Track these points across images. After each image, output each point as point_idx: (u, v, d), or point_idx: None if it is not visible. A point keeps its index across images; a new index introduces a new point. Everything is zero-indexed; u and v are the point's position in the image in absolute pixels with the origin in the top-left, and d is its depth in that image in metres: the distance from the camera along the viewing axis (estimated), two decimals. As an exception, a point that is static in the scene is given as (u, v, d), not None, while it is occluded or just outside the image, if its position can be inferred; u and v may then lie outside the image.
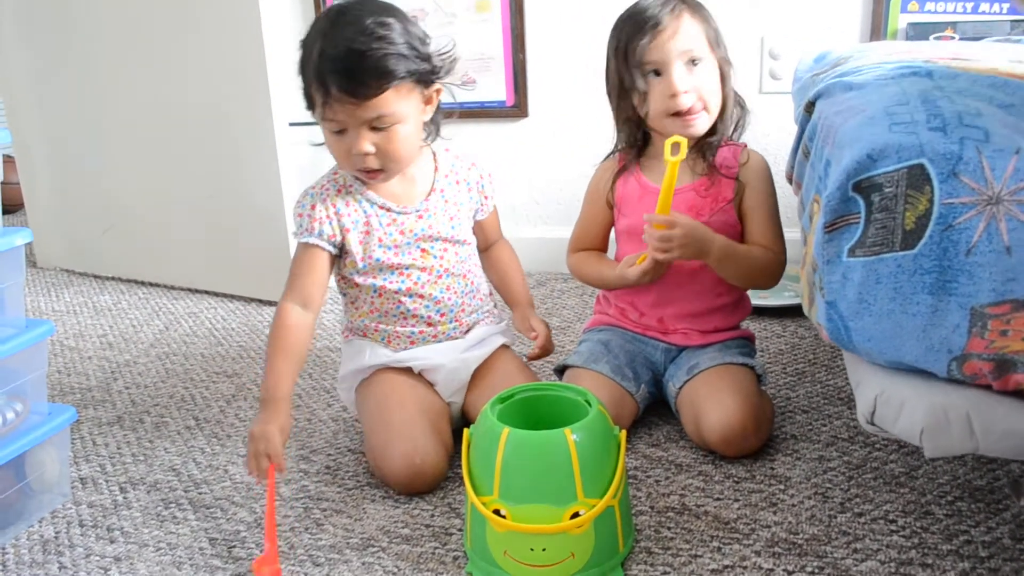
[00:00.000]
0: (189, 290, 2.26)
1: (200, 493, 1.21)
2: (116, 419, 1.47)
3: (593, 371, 1.30)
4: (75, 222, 2.46)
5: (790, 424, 1.32)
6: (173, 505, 1.18)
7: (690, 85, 1.24)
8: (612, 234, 1.42)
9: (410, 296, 1.26)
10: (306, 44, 1.15)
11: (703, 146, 1.30)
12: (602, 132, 1.42)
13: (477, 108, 2.21)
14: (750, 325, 1.39)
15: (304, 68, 1.15)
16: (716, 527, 1.06)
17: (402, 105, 1.14)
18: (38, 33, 2.30)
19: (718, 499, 1.12)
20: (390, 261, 1.24)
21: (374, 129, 1.14)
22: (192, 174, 2.15)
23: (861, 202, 0.79)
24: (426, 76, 1.16)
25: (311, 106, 1.17)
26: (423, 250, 1.26)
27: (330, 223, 1.22)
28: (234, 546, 1.07)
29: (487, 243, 1.41)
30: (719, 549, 1.01)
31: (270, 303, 2.07)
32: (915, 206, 0.76)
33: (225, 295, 2.19)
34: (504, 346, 1.36)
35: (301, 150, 2.11)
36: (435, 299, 1.27)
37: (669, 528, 1.06)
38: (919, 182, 0.75)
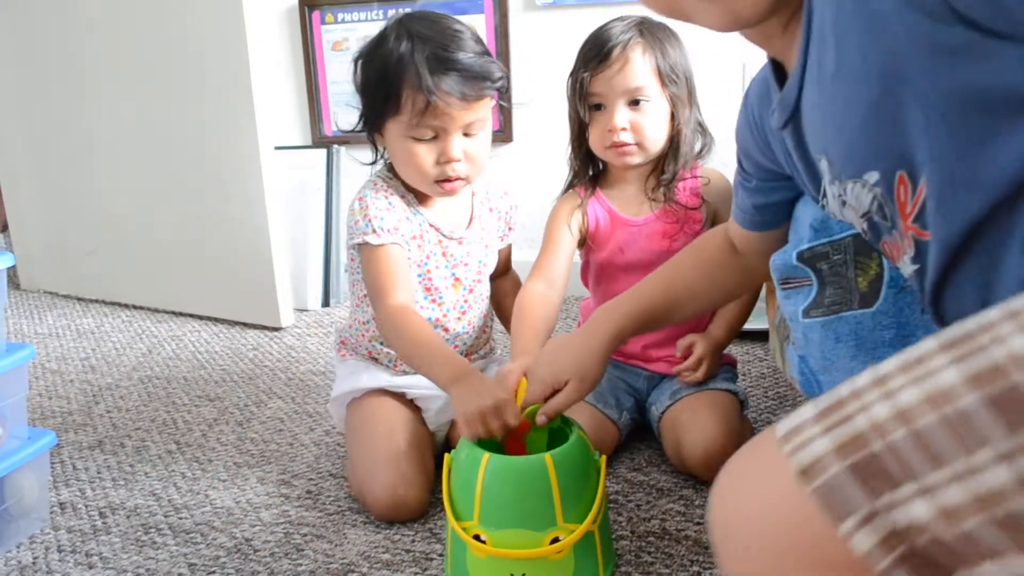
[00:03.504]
0: (173, 313, 2.26)
1: (180, 518, 1.20)
2: (97, 443, 1.46)
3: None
4: (59, 244, 2.46)
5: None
6: (153, 530, 1.18)
7: (628, 123, 1.25)
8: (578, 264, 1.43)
9: (435, 328, 1.26)
10: (387, 53, 1.15)
11: (658, 179, 1.32)
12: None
13: (462, 133, 2.23)
14: (732, 349, 1.40)
15: (390, 75, 1.14)
16: (696, 551, 1.06)
17: (490, 111, 1.19)
18: (24, 54, 2.30)
19: (699, 523, 1.12)
20: (427, 284, 1.26)
21: (466, 135, 1.17)
22: (177, 197, 2.15)
23: (809, 271, 0.83)
24: (504, 87, 1.21)
25: (387, 115, 1.17)
26: (456, 278, 1.28)
27: (395, 226, 1.23)
28: (213, 572, 1.07)
29: (497, 273, 1.41)
30: (699, 574, 1.02)
31: (254, 326, 2.07)
32: (866, 271, 0.80)
33: (209, 318, 2.18)
34: None
35: (289, 173, 2.13)
36: (456, 334, 1.29)
37: (649, 553, 1.06)
38: (866, 248, 0.79)
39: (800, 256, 0.85)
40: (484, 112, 1.18)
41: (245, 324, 2.10)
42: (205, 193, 2.09)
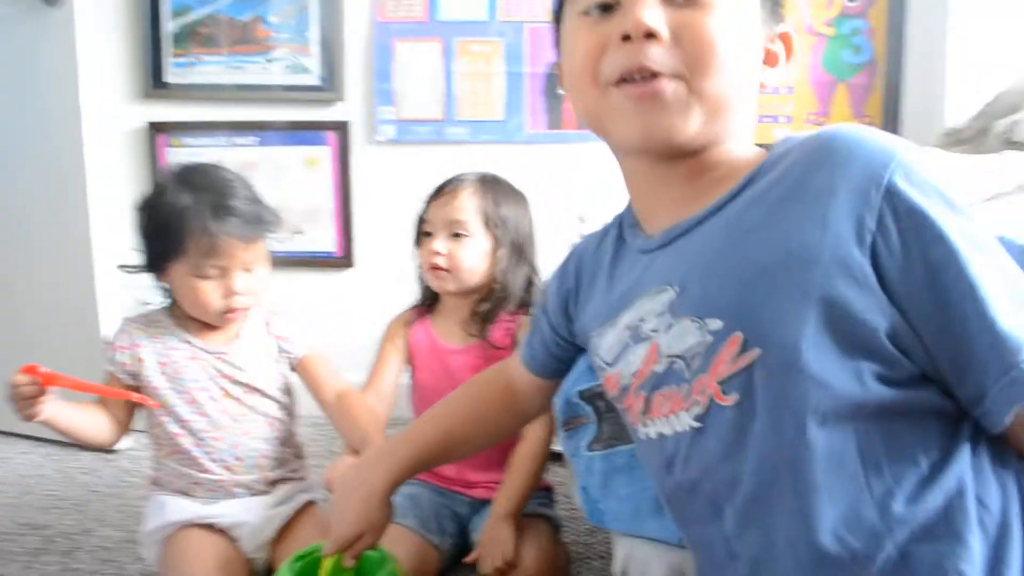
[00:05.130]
0: (2, 433, 2.19)
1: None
2: (-90, 581, 1.43)
3: (400, 525, 1.38)
4: None
5: (587, 570, 1.44)
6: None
7: (446, 250, 1.42)
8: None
9: (203, 437, 1.33)
10: (170, 203, 1.26)
11: (475, 312, 1.46)
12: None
13: (307, 257, 2.33)
14: (549, 474, 1.51)
15: (175, 222, 1.25)
16: None
17: (265, 249, 1.34)
18: None
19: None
20: (187, 397, 1.33)
21: (246, 271, 1.30)
22: (5, 315, 2.14)
23: (589, 408, 0.96)
24: (276, 228, 1.35)
25: (171, 258, 1.27)
26: (223, 390, 1.34)
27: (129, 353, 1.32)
28: None
29: (321, 396, 1.43)
30: None
31: (87, 450, 2.04)
32: None
33: (40, 439, 2.12)
34: (310, 503, 1.42)
35: (131, 294, 2.15)
36: (233, 442, 1.34)
37: None
38: None
39: (581, 394, 0.97)
40: (261, 250, 1.33)
41: (78, 447, 2.07)
42: (36, 315, 2.09)
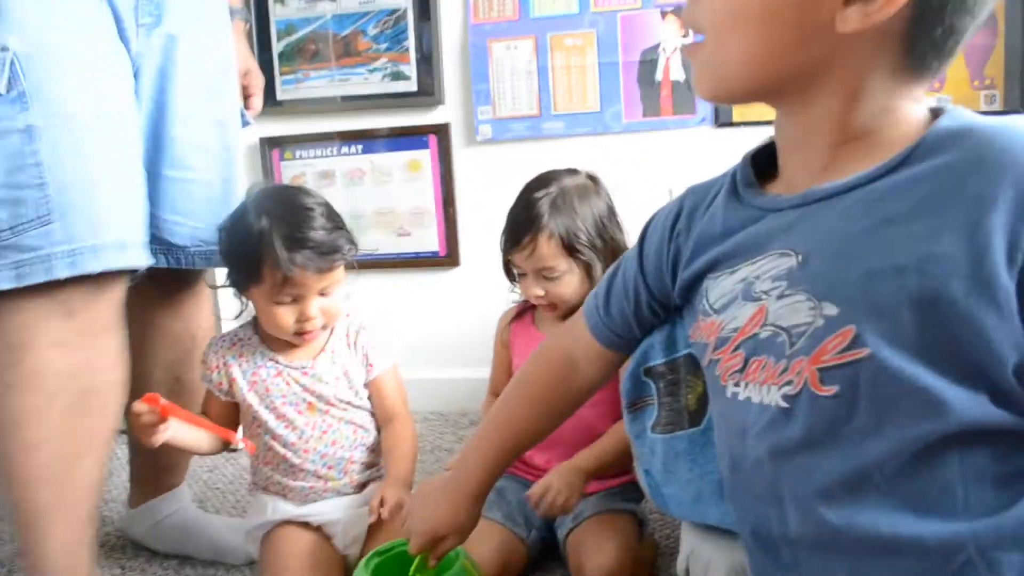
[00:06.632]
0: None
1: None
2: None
3: (486, 519, 1.39)
4: None
5: (675, 566, 1.41)
6: None
7: (543, 291, 1.42)
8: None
9: (294, 449, 1.36)
10: (247, 230, 1.28)
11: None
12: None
13: (412, 258, 2.38)
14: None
15: (251, 251, 1.26)
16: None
17: (342, 273, 1.34)
18: None
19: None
20: (277, 413, 1.36)
21: (322, 295, 1.32)
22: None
23: (652, 386, 0.93)
24: (354, 255, 1.36)
25: (250, 283, 1.30)
26: (309, 404, 1.37)
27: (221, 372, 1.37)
28: None
29: (382, 415, 1.44)
30: None
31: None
32: (694, 389, 0.90)
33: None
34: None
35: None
36: (320, 452, 1.37)
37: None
38: (694, 367, 0.89)
39: (647, 372, 0.94)
40: (337, 276, 1.33)
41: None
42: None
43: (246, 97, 1.59)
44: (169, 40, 1.26)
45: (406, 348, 2.38)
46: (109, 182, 1.15)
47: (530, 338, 1.51)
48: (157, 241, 1.31)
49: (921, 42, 0.65)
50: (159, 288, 1.43)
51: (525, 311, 1.57)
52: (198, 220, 1.35)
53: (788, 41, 0.67)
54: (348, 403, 1.39)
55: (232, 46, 1.44)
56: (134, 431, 1.26)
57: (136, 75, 1.23)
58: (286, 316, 1.30)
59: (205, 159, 1.35)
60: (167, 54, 1.27)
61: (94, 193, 1.13)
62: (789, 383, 0.67)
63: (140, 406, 1.21)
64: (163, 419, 1.22)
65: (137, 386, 1.29)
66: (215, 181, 1.37)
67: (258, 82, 1.60)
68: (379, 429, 1.44)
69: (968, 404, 0.60)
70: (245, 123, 1.52)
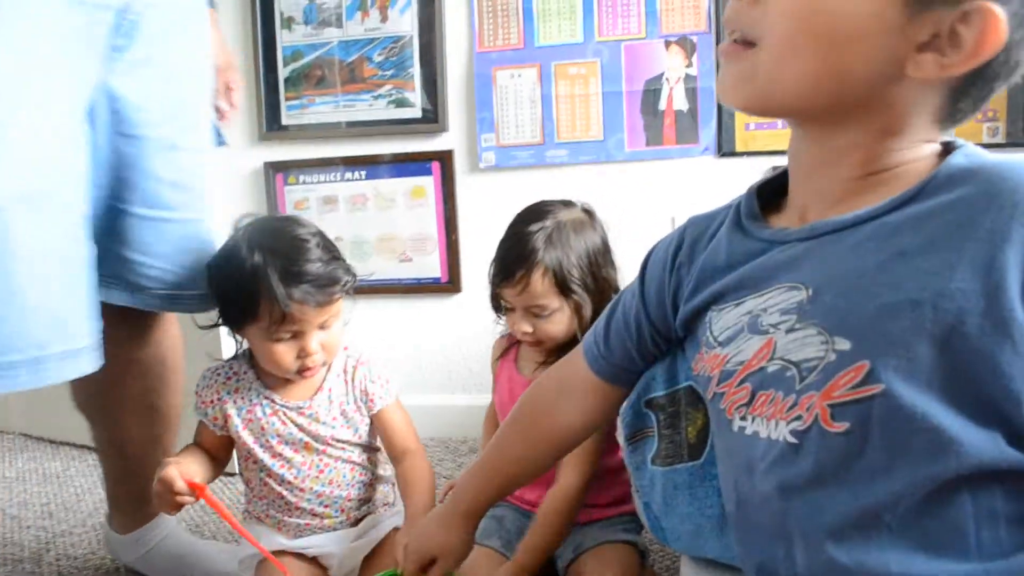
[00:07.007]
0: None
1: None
2: (41, 592, 1.54)
3: (485, 547, 1.38)
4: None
5: (676, 594, 1.39)
6: None
7: (531, 327, 1.38)
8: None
9: (291, 488, 1.33)
10: (240, 266, 1.22)
11: (558, 350, 1.41)
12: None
13: (414, 284, 2.38)
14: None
15: (246, 288, 1.21)
16: None
17: (342, 306, 1.31)
18: None
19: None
20: (272, 451, 1.32)
21: (322, 329, 1.27)
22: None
23: (653, 417, 0.93)
24: (353, 287, 1.31)
25: (246, 321, 1.25)
26: (306, 443, 1.32)
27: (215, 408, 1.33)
28: None
29: (393, 450, 1.40)
30: None
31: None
32: (694, 422, 0.89)
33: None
34: (396, 528, 1.40)
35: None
36: (316, 491, 1.33)
37: None
38: (695, 400, 0.89)
39: (648, 403, 0.93)
40: (337, 308, 1.29)
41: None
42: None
43: (228, 92, 1.48)
44: (143, 63, 1.17)
45: (407, 374, 2.40)
46: (39, 287, 1.03)
47: (509, 381, 1.50)
48: (116, 277, 1.24)
49: (969, 97, 0.66)
50: (121, 319, 1.29)
51: (510, 348, 1.54)
52: (168, 263, 1.27)
53: (855, 71, 0.66)
54: (346, 442, 1.36)
55: (210, 62, 1.35)
56: (157, 498, 1.22)
57: (107, 102, 1.15)
58: (286, 354, 1.26)
59: (183, 197, 1.27)
60: (140, 79, 1.18)
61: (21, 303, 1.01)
62: (798, 418, 0.66)
63: (181, 486, 1.18)
64: (195, 499, 1.21)
65: (111, 419, 1.26)
66: (191, 220, 1.29)
67: (238, 76, 1.51)
68: (381, 455, 1.42)
69: (982, 444, 0.59)
70: (220, 142, 1.42)
